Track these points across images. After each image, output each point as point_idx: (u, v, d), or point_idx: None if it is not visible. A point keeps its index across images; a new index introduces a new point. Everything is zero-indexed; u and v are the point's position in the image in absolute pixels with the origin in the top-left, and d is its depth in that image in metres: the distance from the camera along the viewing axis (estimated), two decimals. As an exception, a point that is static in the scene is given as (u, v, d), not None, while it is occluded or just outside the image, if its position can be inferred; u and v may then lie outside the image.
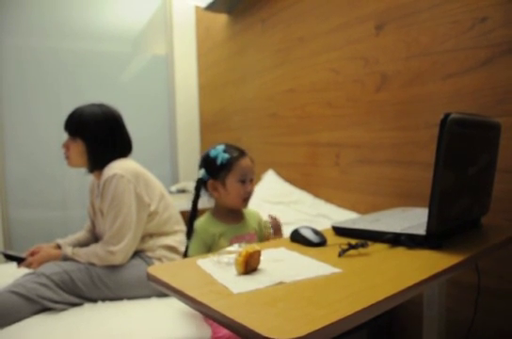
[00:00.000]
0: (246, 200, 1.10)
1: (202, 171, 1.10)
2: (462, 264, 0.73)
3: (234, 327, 0.50)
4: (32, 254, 1.35)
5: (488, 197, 0.98)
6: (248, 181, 1.10)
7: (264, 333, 0.46)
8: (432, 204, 0.78)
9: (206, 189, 1.12)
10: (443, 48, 1.23)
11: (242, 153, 1.10)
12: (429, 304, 1.05)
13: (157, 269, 0.72)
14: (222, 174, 1.07)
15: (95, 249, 1.27)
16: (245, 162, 1.09)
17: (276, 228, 1.15)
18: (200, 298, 0.57)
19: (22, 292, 1.12)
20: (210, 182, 1.09)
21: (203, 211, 1.14)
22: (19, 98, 2.49)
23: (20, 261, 1.32)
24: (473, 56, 1.15)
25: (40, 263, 1.27)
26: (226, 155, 1.07)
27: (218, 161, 1.07)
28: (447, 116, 0.75)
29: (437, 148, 0.75)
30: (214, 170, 1.08)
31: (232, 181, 1.07)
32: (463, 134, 0.79)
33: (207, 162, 1.10)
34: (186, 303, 0.61)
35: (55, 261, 1.27)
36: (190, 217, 1.12)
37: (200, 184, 1.11)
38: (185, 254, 1.13)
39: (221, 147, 1.10)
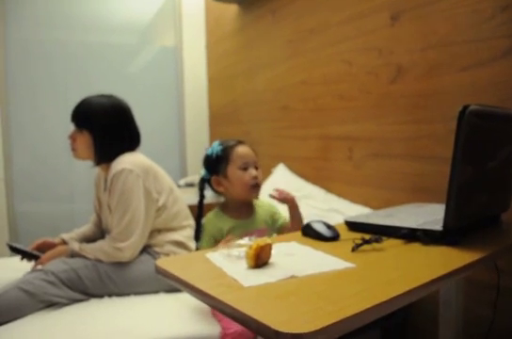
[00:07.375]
0: (255, 187, 1.06)
1: (203, 171, 1.10)
2: (480, 261, 0.71)
3: (244, 320, 0.49)
4: (37, 248, 1.37)
5: (509, 193, 0.95)
6: (252, 167, 1.07)
7: (275, 327, 0.45)
8: (449, 199, 0.75)
9: (212, 188, 1.10)
10: (462, 38, 1.19)
11: (238, 142, 1.09)
12: (445, 303, 1.02)
13: (166, 262, 0.71)
14: (221, 167, 1.06)
15: (102, 245, 1.25)
16: (242, 149, 1.07)
17: (290, 205, 1.10)
18: (209, 291, 0.56)
19: (29, 289, 1.12)
20: (213, 179, 1.08)
21: (211, 206, 1.13)
22: (26, 90, 2.48)
23: (24, 254, 1.34)
24: (494, 46, 1.11)
25: (50, 259, 1.27)
26: (219, 147, 1.07)
27: (214, 155, 1.06)
28: (466, 107, 0.72)
29: (455, 141, 0.73)
30: (212, 166, 1.08)
31: (232, 170, 1.05)
32: (482, 126, 0.77)
33: (205, 161, 1.10)
34: (196, 296, 0.60)
35: (62, 257, 1.26)
36: (197, 217, 1.12)
37: (203, 184, 1.10)
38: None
39: (216, 143, 1.10)
